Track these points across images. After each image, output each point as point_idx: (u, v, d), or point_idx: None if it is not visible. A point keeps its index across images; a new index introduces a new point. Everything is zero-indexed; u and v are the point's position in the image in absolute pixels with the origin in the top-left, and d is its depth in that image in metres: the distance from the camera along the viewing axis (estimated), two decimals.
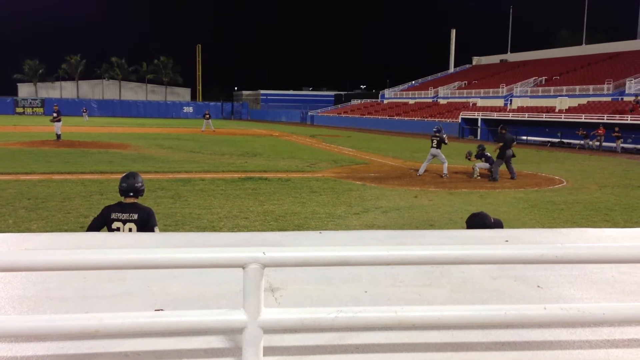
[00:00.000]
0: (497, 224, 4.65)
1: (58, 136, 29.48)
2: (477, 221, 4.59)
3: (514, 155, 18.57)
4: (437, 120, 52.19)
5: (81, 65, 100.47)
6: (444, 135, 19.05)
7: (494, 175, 17.83)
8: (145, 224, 5.02)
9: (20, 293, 2.63)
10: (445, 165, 18.67)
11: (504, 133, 18.72)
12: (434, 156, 18.79)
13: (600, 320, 2.18)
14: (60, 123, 29.78)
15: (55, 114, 29.76)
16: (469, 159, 19.51)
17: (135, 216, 5.01)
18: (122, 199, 5.20)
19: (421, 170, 18.92)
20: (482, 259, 2.10)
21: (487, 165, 18.55)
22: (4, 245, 3.45)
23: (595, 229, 4.55)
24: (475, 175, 18.47)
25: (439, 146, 18.68)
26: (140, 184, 5.22)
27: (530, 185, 16.92)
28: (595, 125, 35.10)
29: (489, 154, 18.76)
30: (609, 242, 3.91)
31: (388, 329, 2.25)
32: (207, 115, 45.62)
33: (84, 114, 61.55)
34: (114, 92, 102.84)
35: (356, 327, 2.20)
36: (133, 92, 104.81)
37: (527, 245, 2.20)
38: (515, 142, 19.20)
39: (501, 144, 18.28)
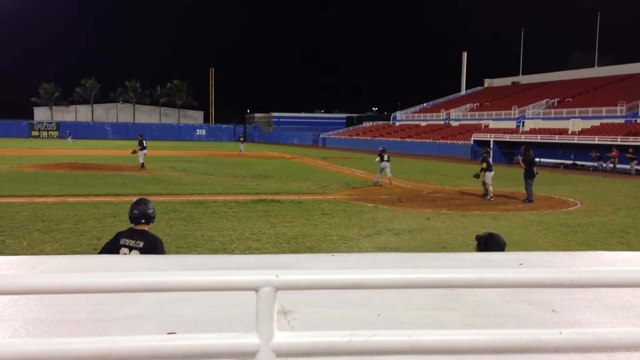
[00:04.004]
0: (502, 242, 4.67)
1: (142, 165, 27.91)
2: (493, 247, 4.56)
3: (537, 173, 18.81)
4: (449, 142, 52.23)
5: (96, 89, 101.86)
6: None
7: (529, 197, 18.13)
8: (151, 253, 4.84)
9: (34, 316, 2.64)
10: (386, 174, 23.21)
11: (528, 154, 19.01)
12: (383, 169, 23.31)
13: (617, 345, 2.15)
14: (145, 151, 28.13)
15: (143, 142, 28.22)
16: (477, 177, 19.72)
17: (141, 244, 4.91)
18: (133, 225, 5.11)
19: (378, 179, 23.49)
20: (497, 283, 2.08)
21: (488, 180, 19.03)
22: (18, 268, 3.47)
23: (610, 252, 4.50)
24: (489, 197, 18.54)
25: (383, 159, 23.36)
26: (151, 211, 5.15)
27: (544, 208, 16.80)
28: (609, 147, 34.89)
29: (490, 160, 19.46)
30: (624, 265, 3.86)
31: (402, 353, 2.22)
32: (242, 139, 45.77)
33: (68, 136, 61.60)
34: (128, 115, 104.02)
35: (370, 351, 2.18)
36: (147, 115, 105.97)
37: (542, 269, 2.18)
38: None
39: (525, 166, 18.63)
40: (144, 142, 28.47)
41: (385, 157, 23.93)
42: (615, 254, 4.43)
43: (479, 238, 4.84)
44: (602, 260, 4.06)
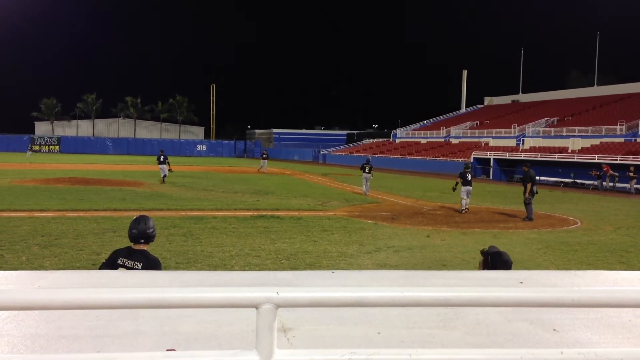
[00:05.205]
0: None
1: (163, 177, 29.45)
2: (501, 265, 4.53)
3: (536, 192, 18.77)
4: (449, 159, 52.29)
5: (97, 104, 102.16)
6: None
7: (529, 215, 18.01)
8: None
9: (33, 331, 2.63)
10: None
11: (527, 170, 19.00)
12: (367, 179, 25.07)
13: None
14: (166, 165, 29.49)
15: (162, 157, 29.73)
16: (455, 189, 20.37)
17: (140, 265, 4.77)
18: (132, 244, 4.97)
19: (364, 190, 25.17)
20: (498, 302, 2.07)
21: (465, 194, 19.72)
22: (17, 283, 3.46)
23: (611, 272, 4.49)
24: (463, 209, 19.55)
25: (369, 171, 25.09)
26: (151, 230, 4.97)
27: (544, 226, 16.77)
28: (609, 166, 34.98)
29: (469, 177, 19.89)
30: (625, 285, 3.85)
31: None
32: (265, 155, 44.97)
33: (28, 150, 61.04)
34: (129, 130, 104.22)
35: None
36: (148, 130, 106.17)
37: (543, 288, 2.17)
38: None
39: (529, 183, 18.55)
40: (162, 157, 29.75)
41: (367, 169, 25.07)
42: (616, 273, 4.42)
43: (485, 254, 4.79)
44: (602, 280, 4.05)
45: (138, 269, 4.75)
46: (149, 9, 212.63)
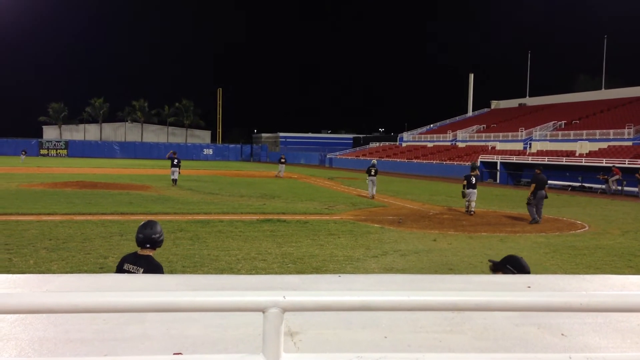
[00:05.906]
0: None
1: (174, 181, 30.12)
2: (521, 269, 4.45)
3: (546, 197, 18.71)
4: (455, 163, 52.18)
5: (104, 108, 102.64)
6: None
7: (534, 217, 18.03)
8: None
9: (40, 334, 2.64)
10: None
11: (539, 173, 19.03)
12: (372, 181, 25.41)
13: None
14: (178, 168, 30.22)
15: (176, 160, 30.36)
16: (464, 195, 20.58)
17: (142, 271, 4.79)
18: (138, 249, 4.99)
19: (371, 193, 25.36)
20: (506, 306, 2.06)
21: (473, 197, 20.04)
22: (25, 286, 3.47)
23: (619, 276, 4.46)
24: (469, 209, 19.90)
25: (375, 174, 25.48)
26: (158, 235, 4.98)
27: (551, 230, 16.70)
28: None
29: (473, 179, 20.22)
30: (633, 289, 3.83)
31: None
32: (283, 160, 44.69)
33: (22, 154, 61.17)
34: (136, 134, 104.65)
35: None
36: (154, 134, 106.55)
37: (551, 292, 2.16)
38: (546, 184, 19.61)
39: (534, 184, 18.50)
40: (175, 160, 30.31)
41: (372, 172, 25.57)
42: (624, 277, 4.39)
43: (500, 265, 4.55)
44: (611, 284, 4.03)
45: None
46: (149, 9, 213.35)
